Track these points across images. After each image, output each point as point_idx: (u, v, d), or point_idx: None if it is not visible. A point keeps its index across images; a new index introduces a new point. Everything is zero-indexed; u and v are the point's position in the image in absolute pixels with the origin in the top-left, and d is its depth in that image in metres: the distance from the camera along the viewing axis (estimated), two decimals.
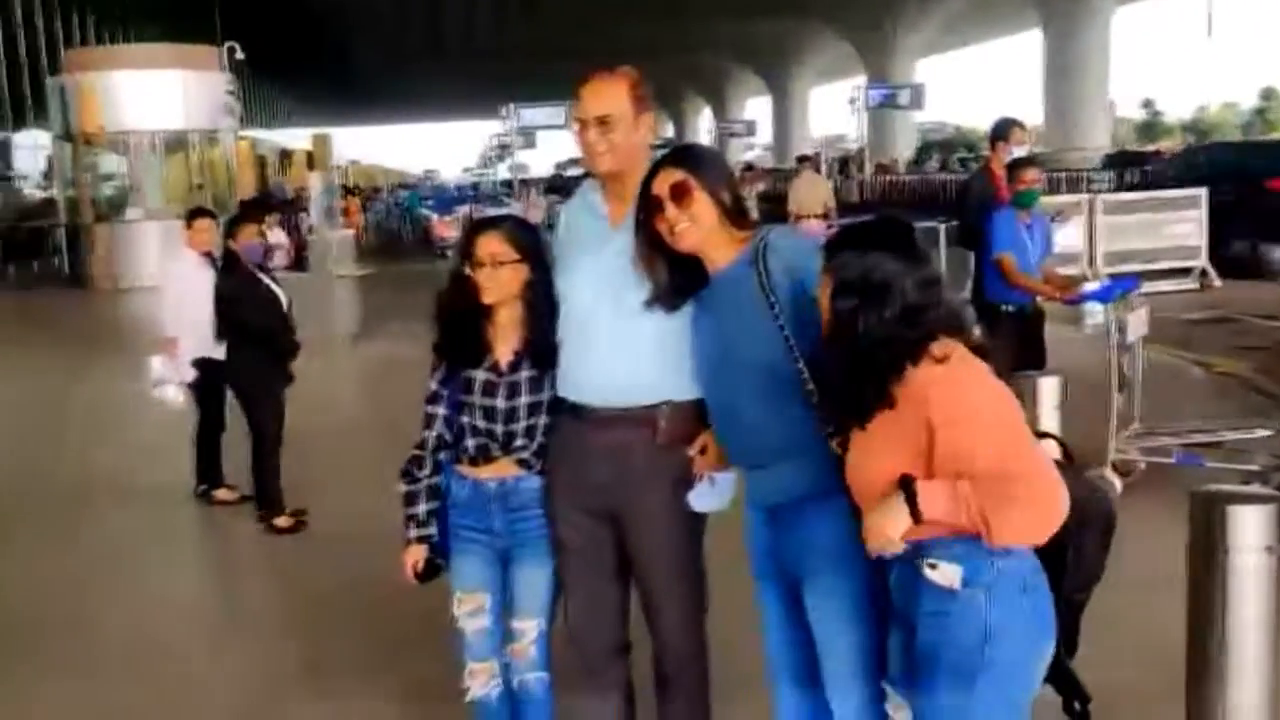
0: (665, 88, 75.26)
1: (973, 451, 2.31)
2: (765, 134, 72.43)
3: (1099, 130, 43.46)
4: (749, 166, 33.47)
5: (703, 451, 2.93)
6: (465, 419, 3.15)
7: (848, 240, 2.49)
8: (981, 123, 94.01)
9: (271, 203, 20.44)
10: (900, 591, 2.51)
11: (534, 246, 3.09)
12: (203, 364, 6.76)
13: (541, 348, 3.07)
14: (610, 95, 2.98)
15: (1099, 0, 43.77)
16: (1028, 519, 2.33)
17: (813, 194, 15.89)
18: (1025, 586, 2.41)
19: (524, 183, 41.91)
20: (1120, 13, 46.11)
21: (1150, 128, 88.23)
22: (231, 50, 24.79)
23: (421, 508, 3.20)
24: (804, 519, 2.71)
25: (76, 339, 15.64)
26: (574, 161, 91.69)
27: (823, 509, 2.64)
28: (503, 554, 3.22)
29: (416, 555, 3.21)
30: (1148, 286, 6.89)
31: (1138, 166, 31.45)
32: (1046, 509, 2.33)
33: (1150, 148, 47.07)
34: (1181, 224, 14.79)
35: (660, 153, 2.97)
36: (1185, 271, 14.35)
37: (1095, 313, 6.22)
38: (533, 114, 39.03)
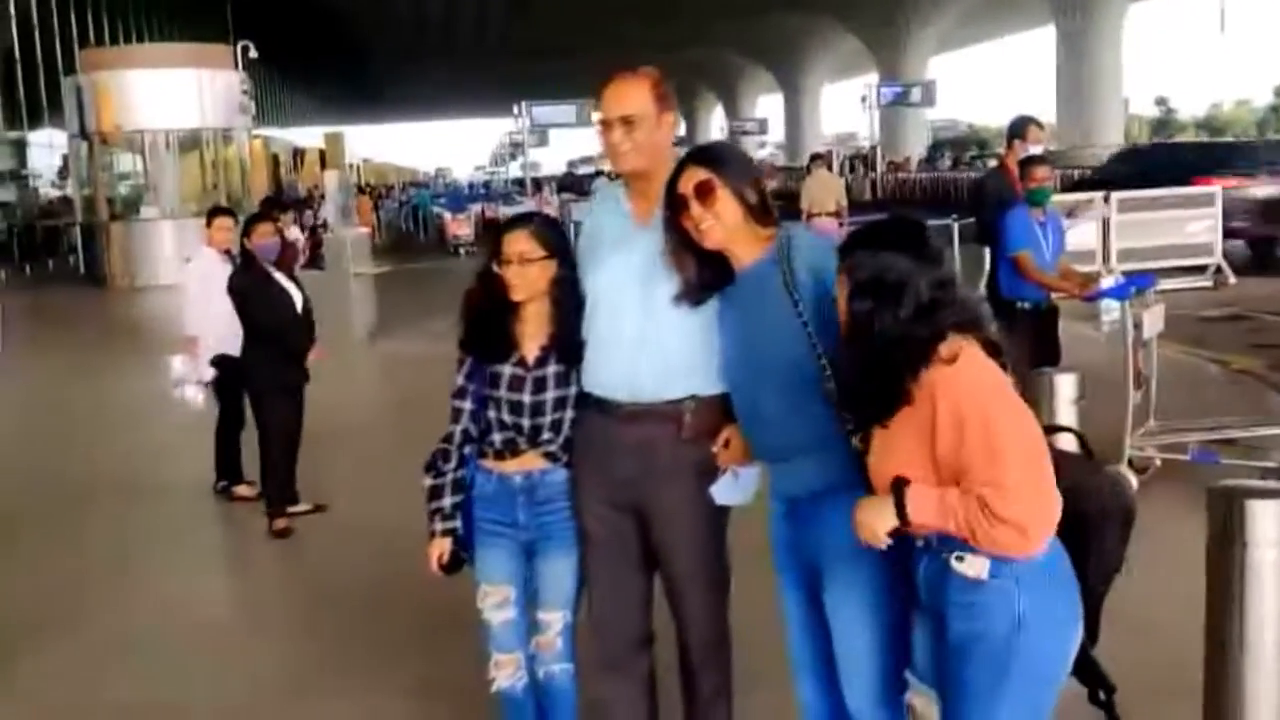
0: (677, 86, 74.64)
1: (964, 458, 2.35)
2: (777, 132, 72.46)
3: (1112, 127, 43.31)
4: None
5: (726, 445, 2.96)
6: (492, 413, 3.19)
7: (861, 241, 2.53)
8: (993, 120, 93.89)
9: (286, 201, 20.53)
10: (928, 584, 2.54)
11: (561, 244, 3.13)
12: (222, 361, 6.81)
13: (568, 343, 3.11)
14: (633, 95, 3.02)
15: None
16: (1010, 536, 2.33)
17: (825, 192, 15.94)
18: (1052, 575, 2.45)
19: (536, 181, 41.94)
20: (1134, 9, 45.96)
21: (1164, 125, 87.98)
22: (245, 49, 24.88)
23: (447, 501, 3.23)
24: (823, 514, 2.75)
25: (97, 337, 15.80)
26: (586, 160, 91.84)
27: (841, 504, 2.66)
28: (527, 547, 3.26)
29: (442, 547, 3.24)
30: (1161, 284, 6.89)
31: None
32: (1033, 525, 2.34)
33: None
34: (1196, 221, 14.75)
35: (682, 150, 3.01)
36: (1199, 269, 14.31)
37: (1112, 310, 6.23)
38: (545, 112, 39.17)
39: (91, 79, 23.34)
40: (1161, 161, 19.14)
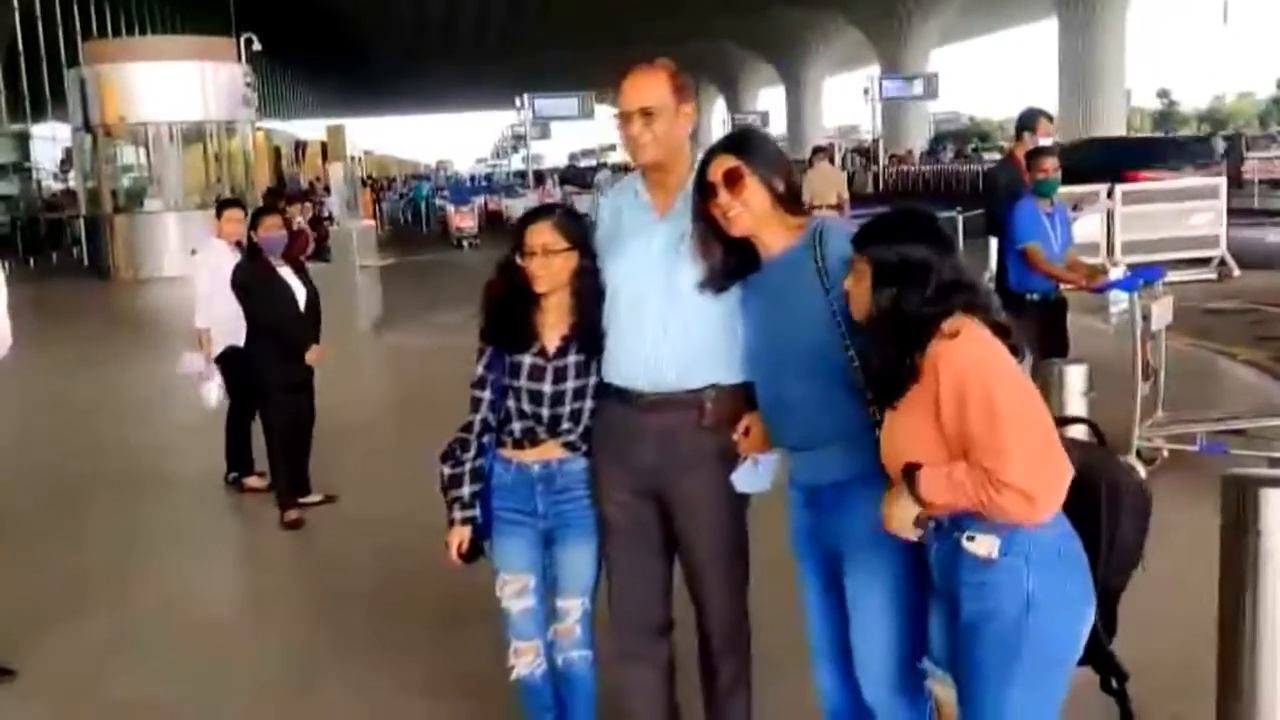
0: None
1: (968, 429, 2.39)
2: (779, 125, 72.38)
3: (1115, 120, 43.25)
4: None
5: (747, 433, 2.99)
6: (511, 403, 3.21)
7: (877, 231, 2.58)
8: (995, 113, 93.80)
9: (291, 193, 20.56)
10: (941, 567, 2.58)
11: (582, 235, 3.16)
12: (232, 353, 6.84)
13: (589, 333, 3.14)
14: (652, 87, 3.04)
15: None
16: (1017, 502, 2.36)
17: (827, 185, 15.96)
18: (1062, 554, 2.48)
19: (538, 173, 41.93)
20: (1136, 1, 45.89)
21: (1166, 117, 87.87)
22: (249, 41, 24.88)
23: (466, 489, 3.24)
24: (846, 502, 2.77)
25: (104, 330, 15.88)
26: (588, 152, 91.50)
27: (864, 493, 2.69)
28: (545, 535, 3.29)
29: (461, 536, 3.25)
30: (1167, 276, 6.91)
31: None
32: (1039, 491, 2.37)
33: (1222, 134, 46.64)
34: (1200, 214, 14.78)
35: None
36: (1204, 261, 14.33)
37: (1120, 301, 6.25)
38: (548, 104, 39.18)
39: (95, 71, 23.36)
40: (1095, 157, 20.35)
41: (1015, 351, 2.52)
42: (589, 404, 3.18)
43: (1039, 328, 6.34)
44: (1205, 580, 3.26)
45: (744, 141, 2.92)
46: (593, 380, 3.17)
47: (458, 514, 3.26)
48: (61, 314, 17.50)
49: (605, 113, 64.74)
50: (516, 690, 3.40)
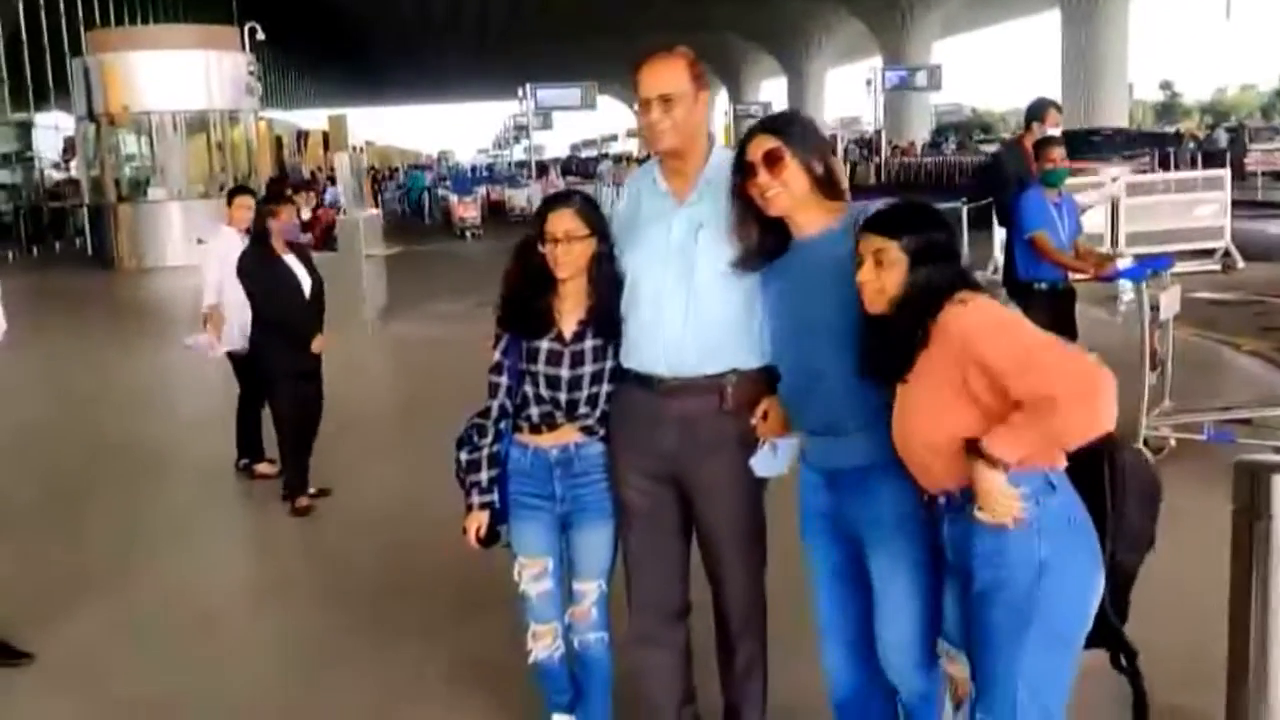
0: None
1: (1004, 366, 2.45)
2: None
3: (1117, 112, 43.20)
4: None
5: (765, 417, 3.02)
6: (529, 388, 3.24)
7: (896, 222, 2.64)
8: (997, 104, 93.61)
9: (295, 182, 20.58)
10: (953, 541, 2.63)
11: (601, 222, 3.19)
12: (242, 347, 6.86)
13: (605, 318, 3.17)
14: (670, 74, 3.05)
15: None
16: (1079, 409, 2.42)
17: None
18: (1072, 522, 2.55)
19: (541, 164, 41.86)
20: None
21: (1169, 110, 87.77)
22: (253, 30, 24.88)
23: (484, 475, 3.27)
24: (867, 487, 2.80)
25: (110, 319, 15.94)
26: (589, 143, 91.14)
27: (887, 478, 2.73)
28: (562, 519, 3.32)
29: (479, 520, 3.28)
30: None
31: (1157, 148, 31.90)
32: (1089, 385, 2.42)
33: (1170, 129, 46.91)
34: (1204, 205, 14.78)
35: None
36: (1208, 253, 14.34)
37: (1128, 290, 6.28)
38: (550, 95, 39.11)
39: (99, 60, 23.37)
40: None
41: None
42: (606, 388, 3.21)
43: (1047, 317, 6.34)
44: (1213, 568, 3.29)
45: (786, 123, 2.93)
46: (610, 364, 3.20)
47: (475, 499, 3.28)
48: (67, 303, 17.54)
49: (607, 103, 64.66)
50: (534, 674, 3.44)
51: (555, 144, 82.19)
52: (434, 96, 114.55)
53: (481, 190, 32.69)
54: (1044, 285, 6.51)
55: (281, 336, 6.43)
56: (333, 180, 23.66)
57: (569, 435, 3.26)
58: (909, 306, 2.58)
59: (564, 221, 3.13)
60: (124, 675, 4.45)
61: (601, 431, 3.25)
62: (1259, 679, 3.17)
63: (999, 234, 11.39)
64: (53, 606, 5.03)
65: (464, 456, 3.32)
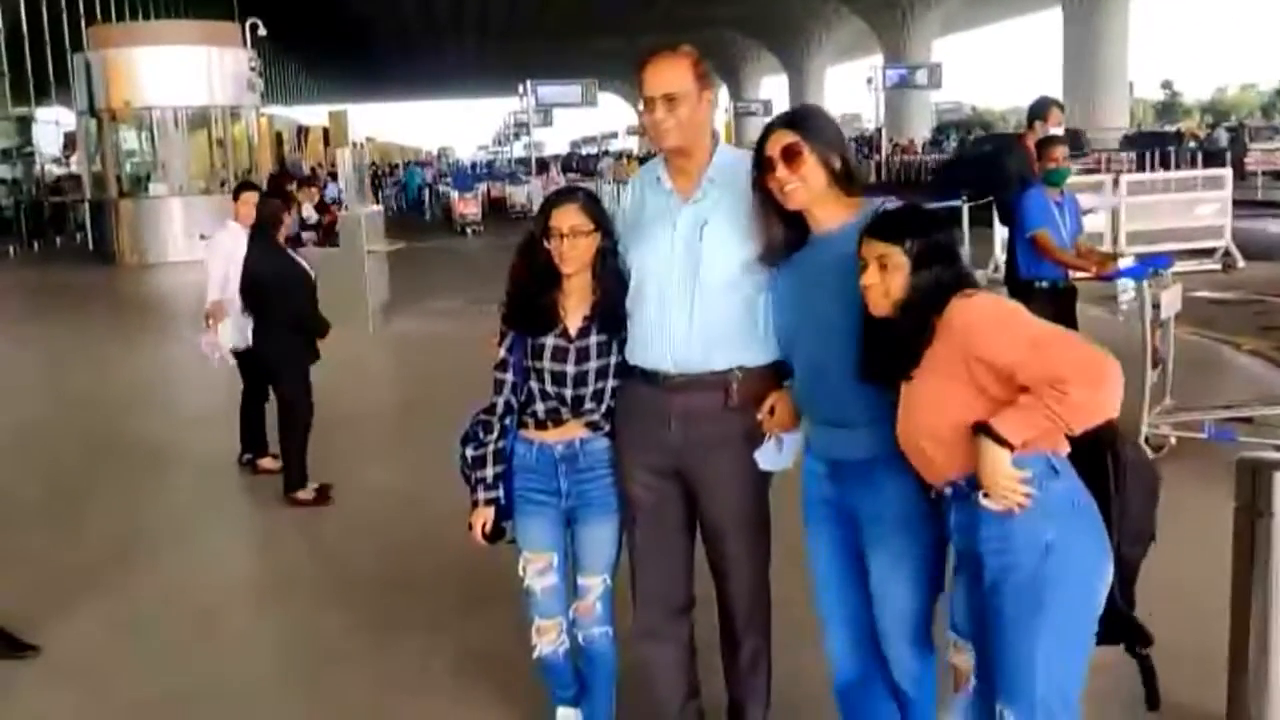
0: None
1: (1012, 356, 2.50)
2: None
3: (1118, 111, 43.28)
4: None
5: (771, 412, 3.04)
6: (534, 384, 3.26)
7: (897, 226, 2.67)
8: (997, 103, 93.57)
9: (298, 177, 20.58)
10: (960, 530, 2.67)
11: (604, 217, 3.21)
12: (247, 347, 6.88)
13: (611, 313, 3.19)
14: (675, 73, 3.06)
15: None
16: (1087, 392, 2.46)
17: None
18: (1075, 505, 2.59)
19: (541, 160, 41.87)
20: None
21: (1169, 108, 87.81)
22: (254, 26, 24.88)
23: (490, 471, 3.29)
24: (873, 478, 2.83)
25: (113, 314, 15.95)
26: (589, 140, 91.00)
27: (890, 469, 2.76)
28: (567, 514, 3.34)
29: (485, 516, 3.29)
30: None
31: (1158, 147, 32.06)
32: (1095, 372, 2.47)
33: (1170, 128, 46.97)
34: (1205, 204, 14.79)
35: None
36: (1207, 252, 14.35)
37: (1129, 289, 6.30)
38: (551, 91, 39.09)
39: (100, 56, 23.39)
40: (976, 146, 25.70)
41: None
42: (611, 384, 3.23)
43: (1049, 315, 6.32)
44: (1215, 565, 3.32)
45: (804, 118, 2.95)
46: (614, 360, 3.21)
47: (481, 495, 3.30)
48: (68, 298, 17.56)
49: (608, 100, 64.59)
50: (538, 669, 3.46)
51: (556, 141, 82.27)
52: (434, 93, 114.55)
53: (482, 187, 32.73)
54: (1045, 284, 6.52)
55: (297, 329, 6.46)
56: (334, 176, 23.70)
57: (574, 431, 3.27)
58: (912, 308, 2.62)
59: (569, 217, 3.14)
60: (126, 671, 4.45)
61: (606, 427, 3.26)
62: (1260, 674, 3.21)
63: (1000, 232, 11.40)
64: (55, 602, 5.03)
65: (469, 453, 3.33)
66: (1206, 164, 26.59)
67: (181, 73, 22.91)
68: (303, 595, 5.17)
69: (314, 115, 57.66)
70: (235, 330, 6.91)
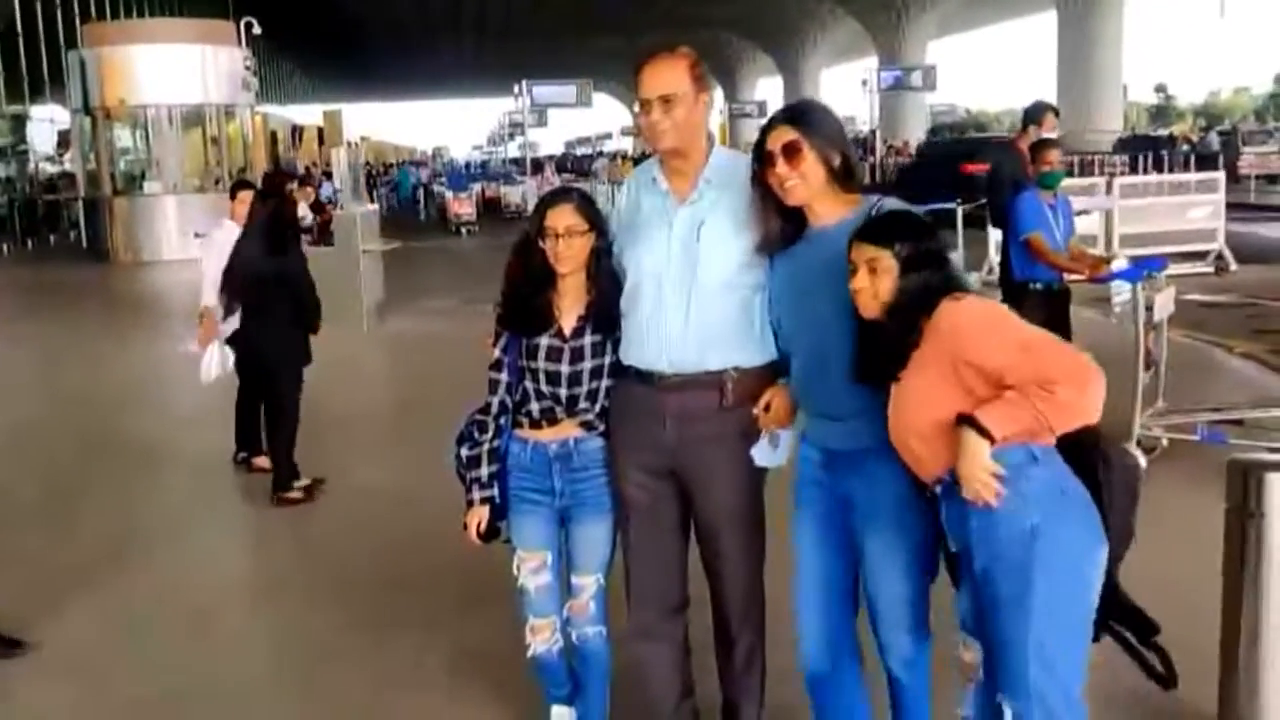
0: None
1: (1000, 359, 2.55)
2: None
3: (1112, 114, 43.36)
4: None
5: (767, 409, 3.05)
6: (529, 384, 3.27)
7: (886, 231, 2.71)
8: (991, 105, 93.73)
9: (294, 174, 20.59)
10: (951, 524, 2.71)
11: (599, 217, 3.22)
12: (243, 333, 6.87)
13: (605, 313, 3.20)
14: (672, 75, 3.07)
15: None
16: (1073, 392, 2.51)
17: None
18: (1063, 490, 2.62)
19: (535, 161, 41.87)
20: None
21: (1163, 112, 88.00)
22: (249, 25, 24.85)
23: (485, 470, 3.29)
24: (868, 469, 2.87)
25: (107, 312, 15.91)
26: (584, 140, 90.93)
27: (884, 458, 2.79)
28: (561, 513, 3.35)
29: (480, 515, 3.30)
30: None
31: (1151, 150, 32.20)
32: (1081, 375, 2.52)
33: (1164, 132, 47.09)
34: (1198, 207, 14.84)
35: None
36: (1200, 255, 14.40)
37: (1123, 291, 6.32)
38: (545, 92, 39.10)
39: (95, 53, 23.35)
40: (938, 153, 27.41)
41: None
42: (605, 383, 3.24)
43: (1042, 318, 6.38)
44: (1205, 565, 3.34)
45: (804, 114, 2.97)
46: (609, 360, 3.23)
47: (476, 494, 3.31)
48: (62, 296, 17.54)
49: (603, 101, 64.55)
50: (532, 667, 3.46)
51: (550, 141, 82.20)
52: (429, 93, 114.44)
53: (477, 187, 32.75)
54: (1039, 286, 6.56)
55: (299, 325, 6.48)
56: (328, 175, 23.68)
57: (569, 430, 3.28)
58: (901, 311, 2.66)
59: (564, 217, 3.16)
60: (122, 669, 4.45)
61: (601, 427, 3.28)
62: (1251, 673, 3.23)
63: (994, 235, 11.44)
64: (49, 601, 5.02)
65: (464, 452, 3.34)
66: (1199, 168, 26.64)
67: (176, 71, 22.90)
68: (298, 594, 5.17)
69: (309, 114, 57.64)
70: (218, 364, 6.92)
